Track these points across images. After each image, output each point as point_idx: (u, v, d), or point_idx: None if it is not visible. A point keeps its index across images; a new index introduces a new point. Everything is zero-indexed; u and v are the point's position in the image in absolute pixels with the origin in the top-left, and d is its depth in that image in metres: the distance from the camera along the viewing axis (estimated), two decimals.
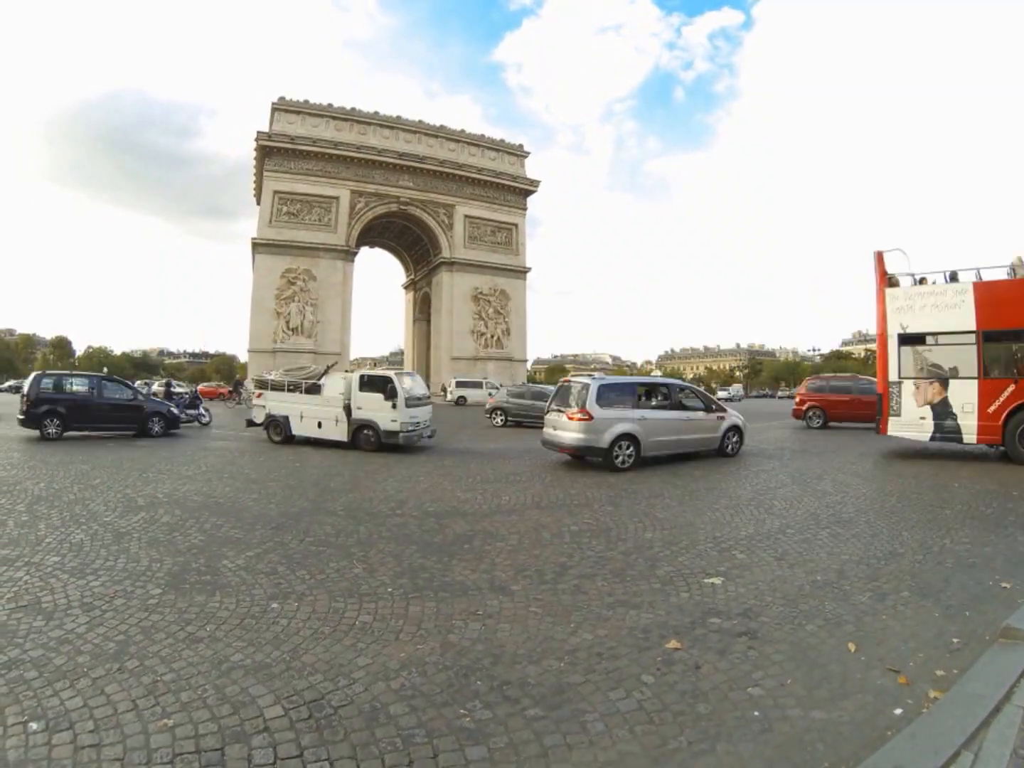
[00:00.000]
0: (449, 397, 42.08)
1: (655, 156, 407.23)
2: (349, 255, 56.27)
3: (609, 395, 10.66)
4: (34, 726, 2.55)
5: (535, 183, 64.79)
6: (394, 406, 12.52)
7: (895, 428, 11.74)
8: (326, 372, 14.16)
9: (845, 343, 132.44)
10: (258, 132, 53.45)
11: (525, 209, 65.26)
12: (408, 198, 58.29)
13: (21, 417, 13.77)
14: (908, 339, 11.79)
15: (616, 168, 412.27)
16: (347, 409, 13.02)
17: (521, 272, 63.86)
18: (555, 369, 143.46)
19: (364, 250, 64.98)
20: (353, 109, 57.20)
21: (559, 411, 10.96)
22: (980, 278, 11.14)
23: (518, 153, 65.06)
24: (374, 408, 12.78)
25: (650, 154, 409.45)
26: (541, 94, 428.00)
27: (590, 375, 11.69)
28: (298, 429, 13.76)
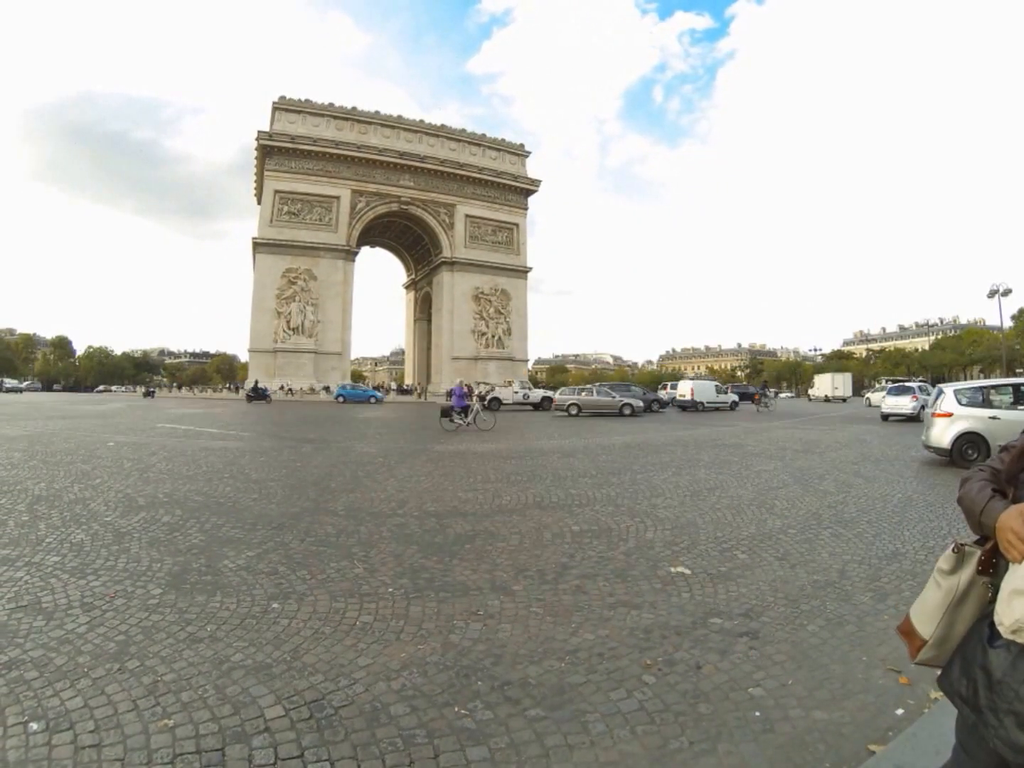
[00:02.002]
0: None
1: (645, 157, 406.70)
2: (350, 255, 56.33)
3: None
4: (34, 726, 2.55)
5: (536, 182, 64.78)
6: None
7: None
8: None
9: (847, 343, 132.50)
10: (259, 131, 53.51)
11: (526, 209, 65.29)
12: (409, 198, 58.35)
13: None
14: None
15: (606, 170, 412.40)
16: None
17: (522, 272, 63.90)
18: (556, 369, 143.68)
19: (365, 250, 65.15)
20: (354, 109, 57.22)
21: None
22: None
23: (519, 153, 65.03)
24: None
25: (640, 155, 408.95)
26: (524, 101, 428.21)
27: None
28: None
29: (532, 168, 64.96)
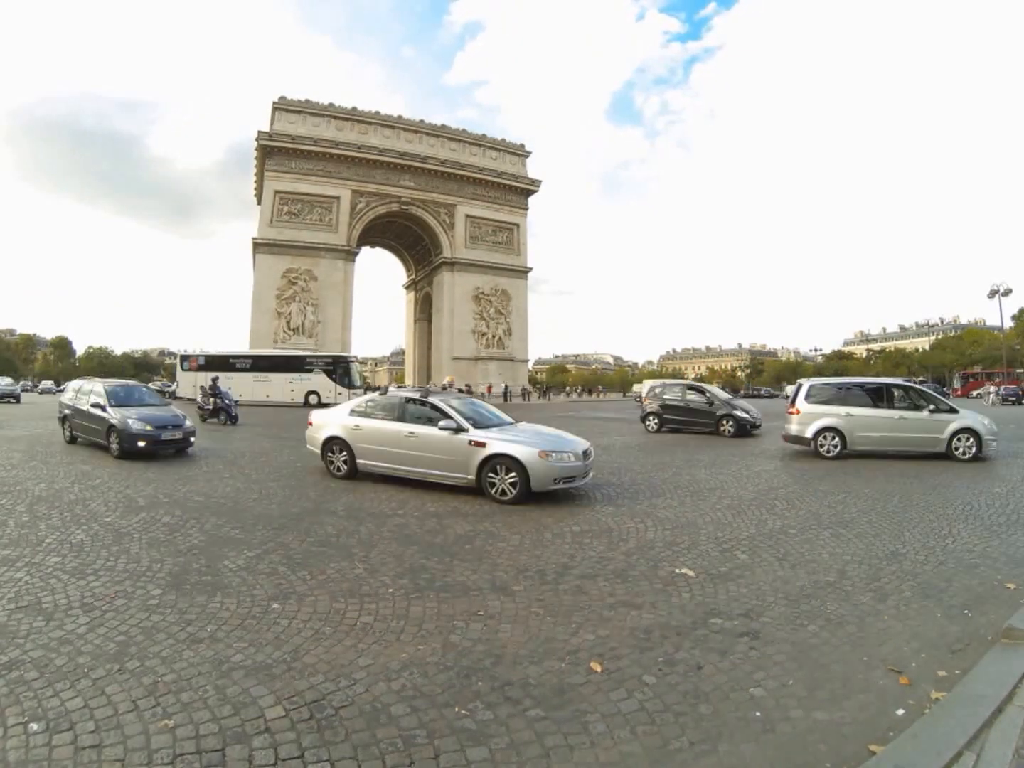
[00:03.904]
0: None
1: (639, 158, 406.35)
2: (350, 255, 56.29)
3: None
4: (35, 727, 2.55)
5: (536, 183, 64.75)
6: None
7: None
8: None
9: (847, 343, 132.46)
10: (259, 131, 53.46)
11: (526, 209, 65.23)
12: (409, 198, 58.31)
13: None
14: None
15: (602, 172, 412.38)
16: None
17: (522, 272, 63.85)
18: (556, 369, 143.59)
19: (365, 250, 65.04)
20: (354, 109, 57.19)
21: None
22: None
23: (519, 153, 65.01)
24: None
25: (633, 156, 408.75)
26: (511, 107, 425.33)
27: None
28: None
29: (528, 172, 64.85)
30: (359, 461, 8.92)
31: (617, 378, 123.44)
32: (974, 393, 54.65)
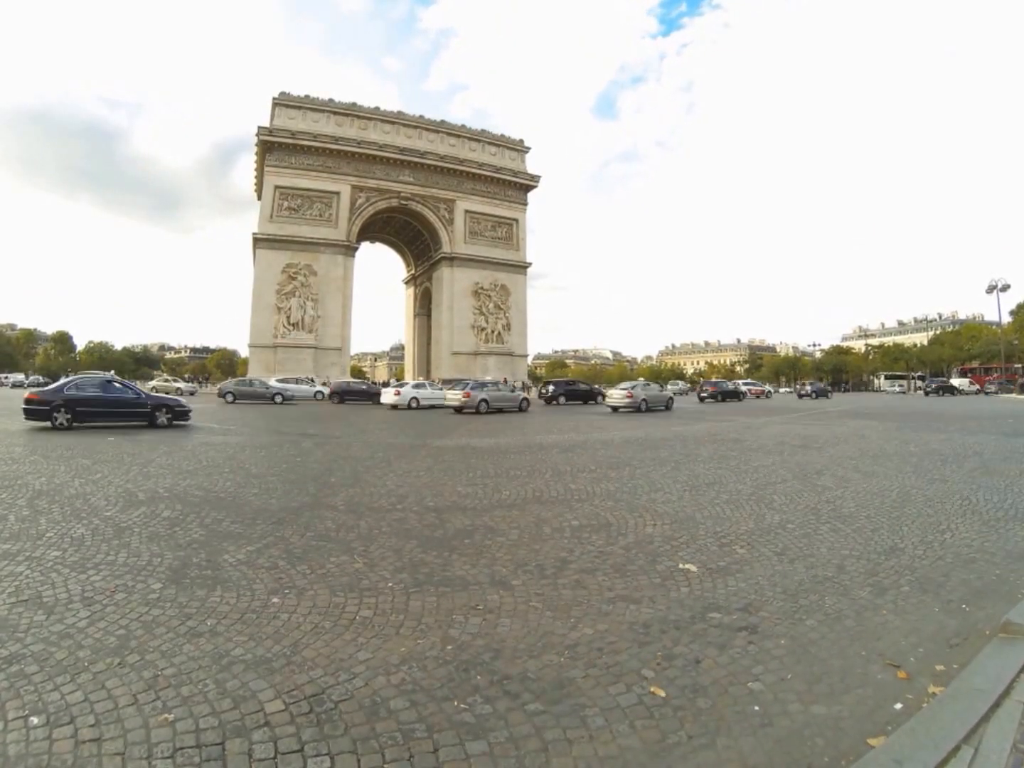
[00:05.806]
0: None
1: (636, 153, 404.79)
2: (350, 250, 56.16)
3: None
4: (35, 720, 2.56)
5: (535, 178, 64.55)
6: None
7: None
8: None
9: (845, 338, 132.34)
10: (259, 127, 53.22)
11: (526, 204, 65.05)
12: (409, 193, 58.15)
13: None
14: None
15: (599, 168, 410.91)
16: None
17: (521, 267, 63.72)
18: (555, 364, 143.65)
19: (365, 245, 64.90)
20: (353, 105, 56.92)
21: None
22: None
23: (518, 148, 64.75)
24: None
25: (629, 151, 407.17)
26: (501, 107, 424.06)
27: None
28: None
29: (527, 167, 64.69)
30: None
31: (616, 373, 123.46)
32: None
